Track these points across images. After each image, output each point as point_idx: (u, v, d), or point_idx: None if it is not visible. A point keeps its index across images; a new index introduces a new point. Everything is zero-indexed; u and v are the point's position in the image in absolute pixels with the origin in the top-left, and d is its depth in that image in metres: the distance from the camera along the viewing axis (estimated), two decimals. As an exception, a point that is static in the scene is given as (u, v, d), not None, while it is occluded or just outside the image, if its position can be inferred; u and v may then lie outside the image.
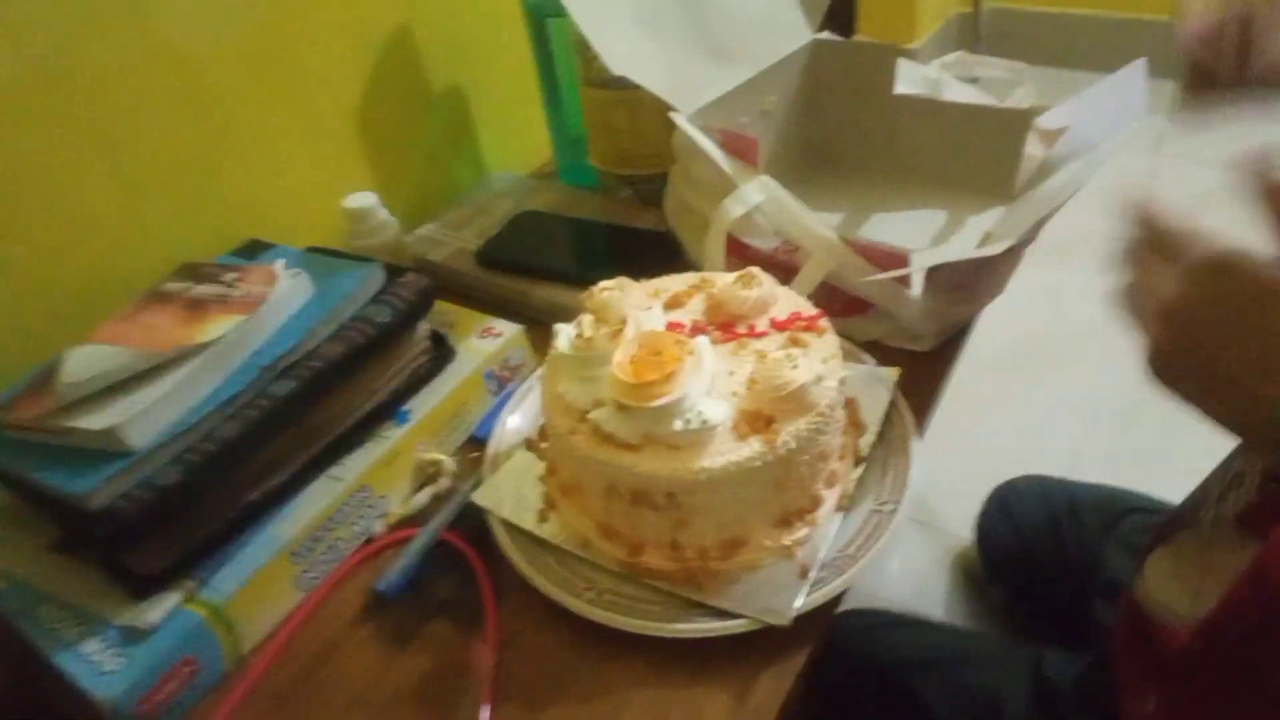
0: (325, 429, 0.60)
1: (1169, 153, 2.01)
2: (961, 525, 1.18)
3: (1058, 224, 0.66)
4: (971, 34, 2.34)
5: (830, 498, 0.55)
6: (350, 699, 0.50)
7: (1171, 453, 1.20)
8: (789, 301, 0.59)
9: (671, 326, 0.56)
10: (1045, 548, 0.98)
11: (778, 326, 0.56)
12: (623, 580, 0.53)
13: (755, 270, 0.58)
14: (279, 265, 0.62)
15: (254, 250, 0.70)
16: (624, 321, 0.53)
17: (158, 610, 0.50)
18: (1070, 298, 1.61)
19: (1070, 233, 1.69)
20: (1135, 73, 0.70)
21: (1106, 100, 0.73)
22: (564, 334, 0.54)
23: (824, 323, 0.56)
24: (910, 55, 0.83)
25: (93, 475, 0.49)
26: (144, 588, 0.51)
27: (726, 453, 0.48)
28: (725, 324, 0.57)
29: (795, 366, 0.50)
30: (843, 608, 0.53)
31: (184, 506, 0.52)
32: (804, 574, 0.51)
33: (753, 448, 0.48)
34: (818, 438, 0.51)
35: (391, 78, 0.88)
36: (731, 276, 0.58)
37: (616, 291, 0.56)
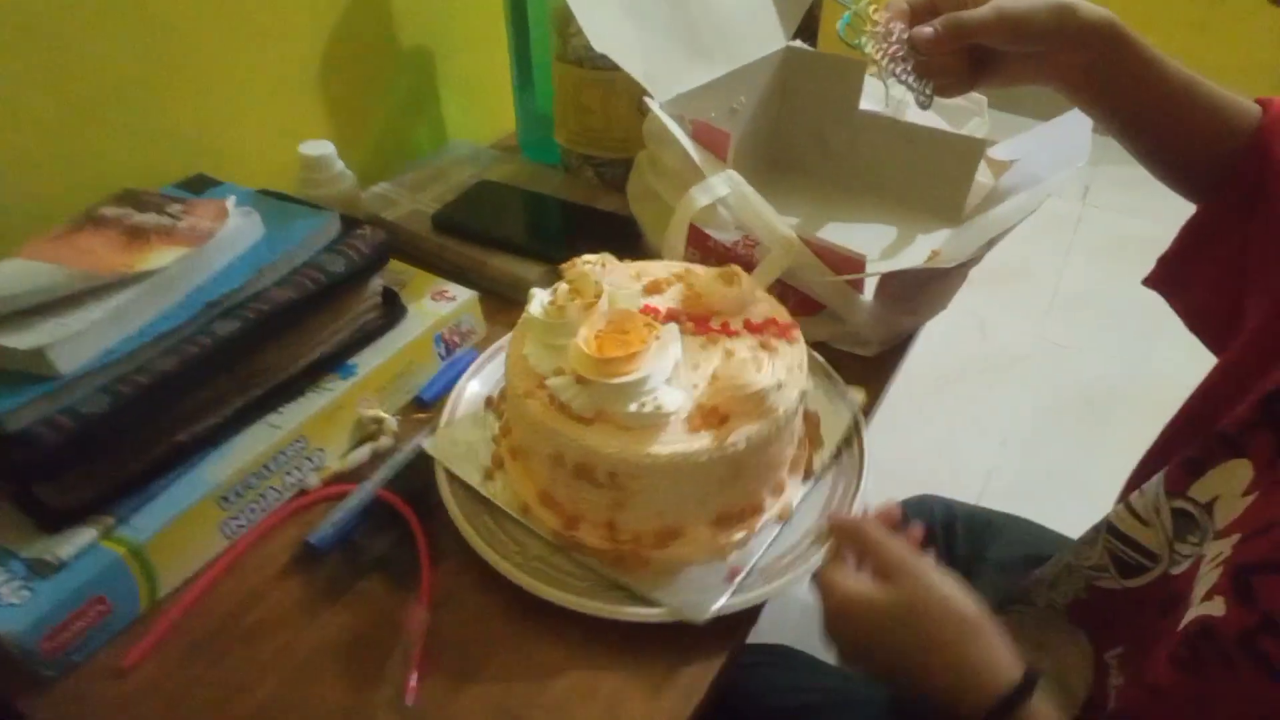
0: (267, 374, 0.58)
1: (1093, 203, 2.12)
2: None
3: (990, 255, 0.69)
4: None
5: (773, 506, 0.55)
6: (272, 651, 0.48)
7: (1078, 478, 1.27)
8: (767, 306, 0.59)
9: (646, 310, 0.56)
10: None
11: (751, 329, 0.57)
12: (554, 551, 0.52)
13: (738, 269, 0.58)
14: (230, 201, 0.60)
15: (200, 185, 0.67)
16: (599, 296, 0.53)
17: (70, 545, 0.47)
18: (996, 326, 1.68)
19: (1001, 264, 1.77)
20: (1082, 119, 0.74)
21: (1054, 140, 0.77)
22: (538, 299, 0.54)
23: (797, 332, 0.57)
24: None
25: (12, 397, 0.47)
26: (57, 521, 0.48)
27: (675, 442, 0.49)
28: (700, 317, 0.57)
29: (759, 369, 0.50)
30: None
31: (109, 439, 0.49)
32: (731, 577, 0.51)
33: (702, 442, 0.49)
34: (769, 445, 0.51)
35: (360, 31, 0.86)
36: (715, 271, 0.58)
37: (597, 265, 0.56)
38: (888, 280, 0.67)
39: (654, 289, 0.60)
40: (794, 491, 0.57)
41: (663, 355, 0.51)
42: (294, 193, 0.73)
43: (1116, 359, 1.60)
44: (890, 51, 0.60)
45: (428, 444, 0.57)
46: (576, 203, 0.83)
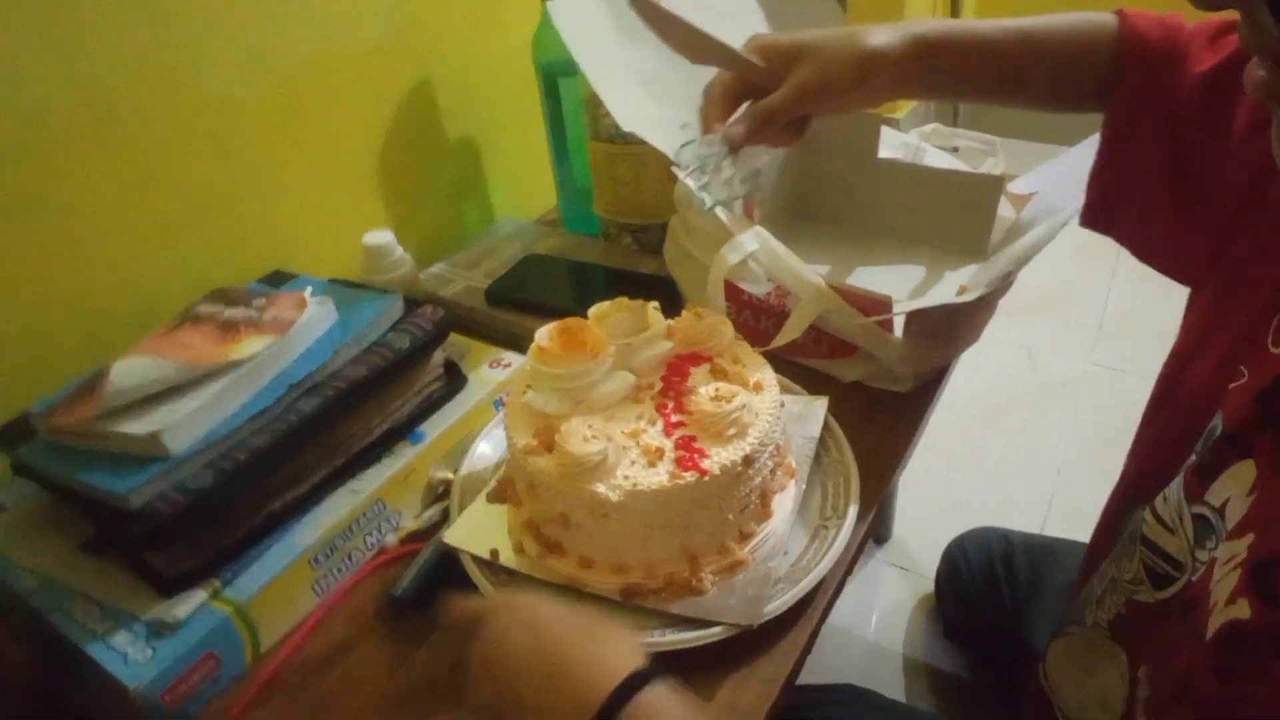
0: (346, 445, 0.64)
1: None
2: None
3: (1032, 283, 0.71)
4: (950, 106, 2.46)
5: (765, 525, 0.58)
6: (369, 695, 0.53)
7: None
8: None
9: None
10: (984, 604, 1.00)
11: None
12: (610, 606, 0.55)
13: (700, 309, 0.64)
14: (307, 292, 0.67)
15: (279, 279, 0.75)
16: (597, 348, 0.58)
17: (185, 606, 0.53)
18: (1043, 353, 1.68)
19: (1043, 292, 1.77)
20: (1094, 146, 0.77)
21: (1069, 169, 0.80)
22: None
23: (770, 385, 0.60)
24: (893, 124, 0.90)
25: (133, 477, 0.53)
26: (171, 585, 0.54)
27: (639, 478, 0.52)
28: (688, 356, 0.62)
29: (732, 399, 0.54)
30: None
31: (214, 510, 0.55)
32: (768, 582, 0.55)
33: (685, 476, 0.52)
34: (746, 470, 0.54)
35: (408, 129, 0.94)
36: (688, 311, 0.64)
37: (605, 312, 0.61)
38: (914, 318, 0.71)
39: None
40: (783, 503, 0.60)
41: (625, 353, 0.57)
42: (360, 279, 0.81)
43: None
44: (723, 178, 0.61)
45: (448, 537, 0.59)
46: (617, 268, 0.89)
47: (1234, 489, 0.42)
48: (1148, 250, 0.65)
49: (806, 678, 0.58)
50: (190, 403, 0.56)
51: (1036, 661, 0.66)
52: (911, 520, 1.37)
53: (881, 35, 0.59)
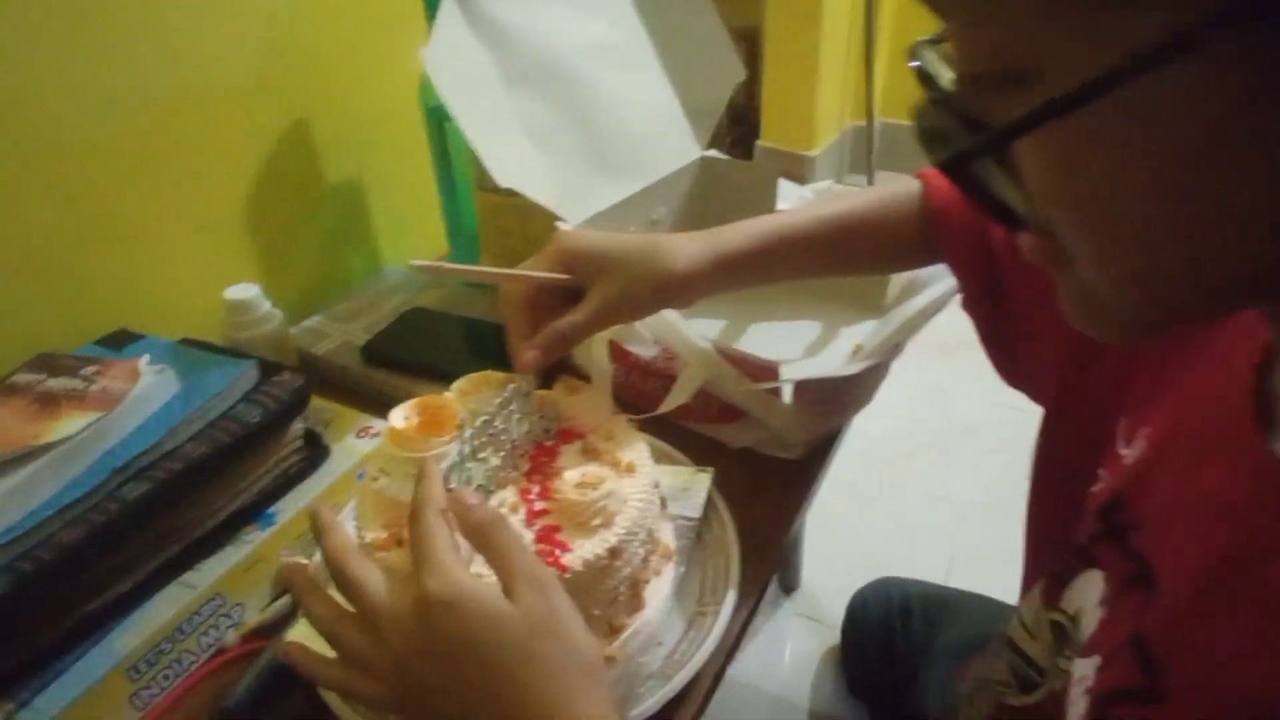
0: (182, 533, 0.58)
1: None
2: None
3: (942, 325, 0.71)
4: (864, 145, 2.51)
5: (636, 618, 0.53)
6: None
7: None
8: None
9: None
10: (881, 660, 0.99)
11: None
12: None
13: (576, 382, 0.60)
14: (143, 361, 0.60)
15: (121, 340, 0.68)
16: (459, 426, 0.53)
17: (-32, 736, 0.46)
18: (953, 396, 1.70)
19: (953, 334, 1.79)
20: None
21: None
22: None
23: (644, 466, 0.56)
24: (808, 162, 0.89)
25: (-93, 586, 0.46)
26: (-45, 710, 0.47)
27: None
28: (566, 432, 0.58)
29: (600, 484, 0.51)
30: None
31: (10, 621, 0.48)
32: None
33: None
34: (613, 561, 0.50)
35: (285, 171, 0.88)
36: (560, 382, 0.60)
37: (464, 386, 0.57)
38: (803, 384, 0.69)
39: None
40: (659, 589, 0.55)
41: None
42: (221, 337, 0.75)
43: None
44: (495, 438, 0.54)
45: (292, 635, 0.52)
46: (503, 324, 0.84)
47: (1084, 599, 0.41)
48: (1007, 379, 0.65)
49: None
50: (-14, 495, 0.50)
51: None
52: (820, 568, 1.35)
53: (686, 256, 0.57)
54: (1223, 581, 0.33)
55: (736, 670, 1.26)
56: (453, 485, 0.50)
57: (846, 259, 0.64)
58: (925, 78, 0.31)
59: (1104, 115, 0.24)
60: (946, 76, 0.30)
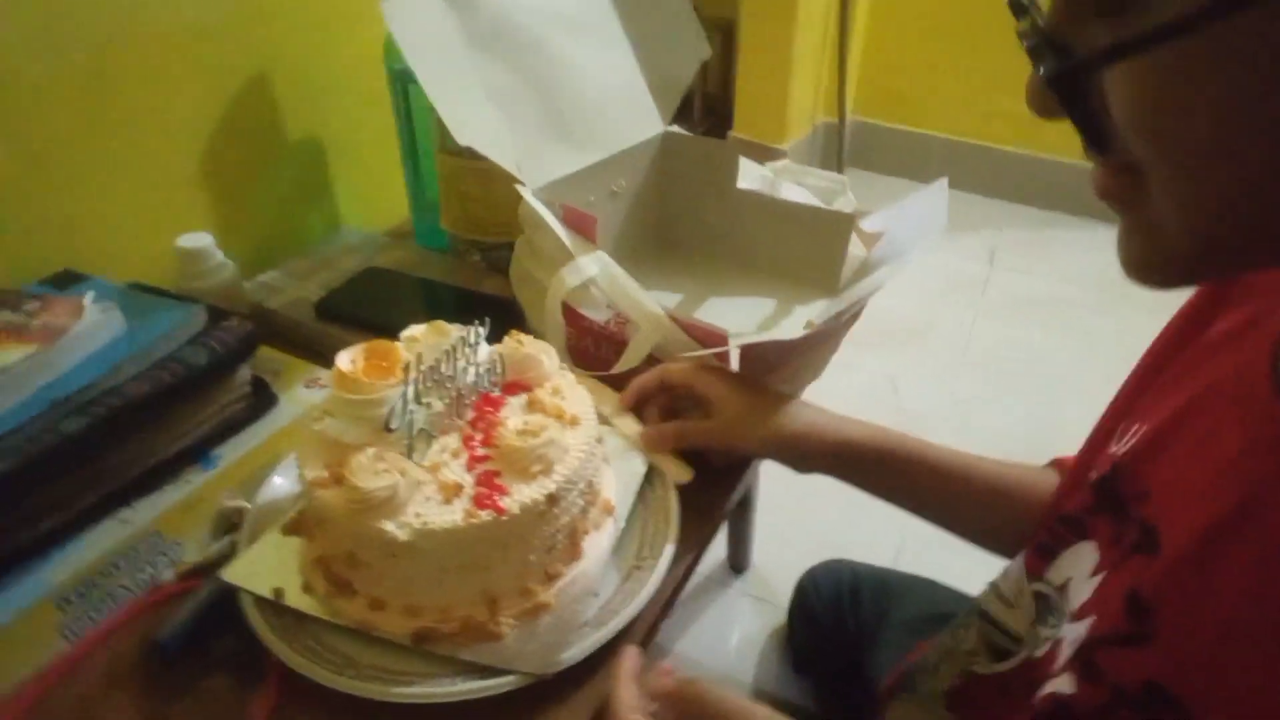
0: (121, 470, 0.57)
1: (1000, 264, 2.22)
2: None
3: (898, 315, 0.72)
4: (835, 142, 2.53)
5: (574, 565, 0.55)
6: (105, 760, 0.47)
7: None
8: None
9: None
10: (832, 637, 1.01)
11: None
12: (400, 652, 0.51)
13: (521, 335, 0.60)
14: (88, 298, 0.60)
15: (66, 281, 0.67)
16: (406, 367, 0.53)
17: (-111, 658, 0.46)
18: (906, 385, 1.73)
19: (909, 324, 1.83)
20: (939, 189, 0.78)
21: (916, 211, 0.81)
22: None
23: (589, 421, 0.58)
24: (778, 155, 0.90)
25: None
26: (-123, 633, 0.47)
27: (431, 516, 0.48)
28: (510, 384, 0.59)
29: (541, 432, 0.52)
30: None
31: (-62, 545, 0.48)
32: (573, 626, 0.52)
33: (481, 515, 0.49)
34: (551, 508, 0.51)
35: (244, 122, 0.87)
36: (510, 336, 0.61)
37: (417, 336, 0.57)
38: (750, 352, 0.70)
39: None
40: (598, 542, 0.57)
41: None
42: (173, 285, 0.74)
43: (1021, 414, 1.66)
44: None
45: (226, 574, 0.53)
46: (460, 286, 0.85)
47: (1074, 569, 0.43)
48: None
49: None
50: (-83, 420, 0.49)
51: (878, 712, 0.65)
52: (770, 550, 1.37)
53: (808, 422, 0.63)
54: (1225, 530, 0.34)
55: (684, 648, 1.27)
56: (394, 427, 0.51)
57: (956, 498, 0.64)
58: (1018, 6, 0.31)
59: (1208, 41, 0.24)
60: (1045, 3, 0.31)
